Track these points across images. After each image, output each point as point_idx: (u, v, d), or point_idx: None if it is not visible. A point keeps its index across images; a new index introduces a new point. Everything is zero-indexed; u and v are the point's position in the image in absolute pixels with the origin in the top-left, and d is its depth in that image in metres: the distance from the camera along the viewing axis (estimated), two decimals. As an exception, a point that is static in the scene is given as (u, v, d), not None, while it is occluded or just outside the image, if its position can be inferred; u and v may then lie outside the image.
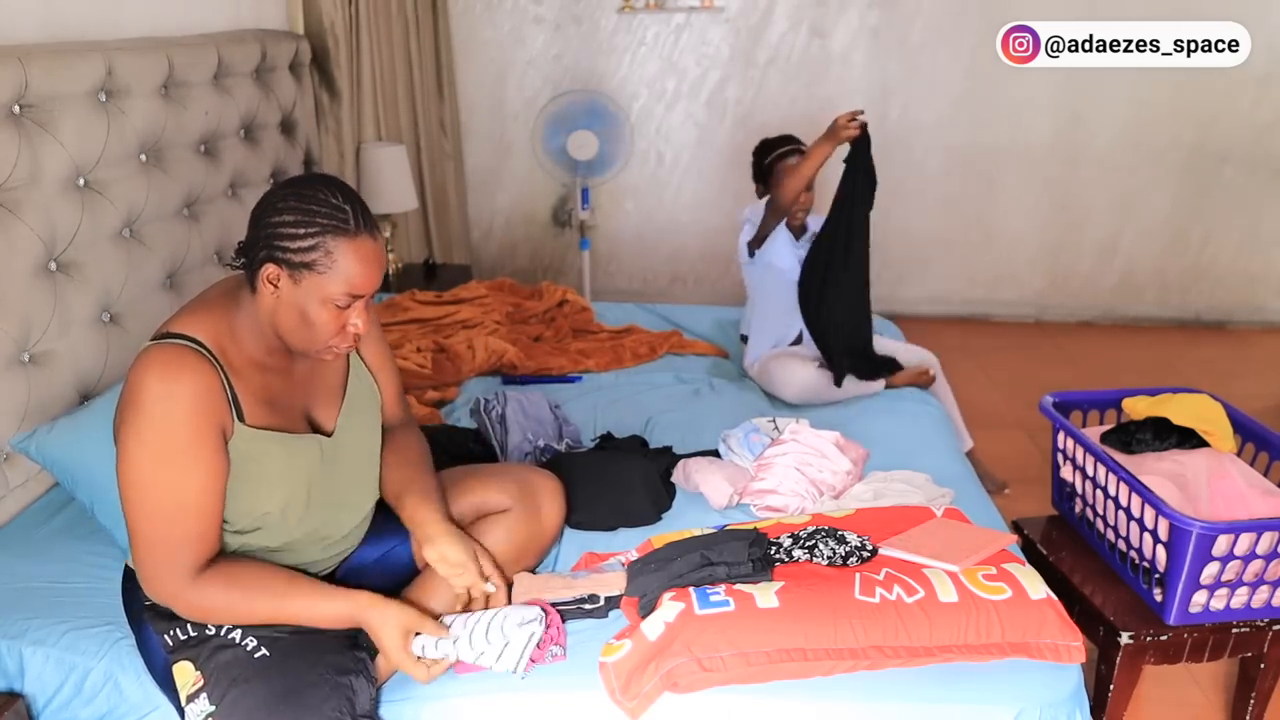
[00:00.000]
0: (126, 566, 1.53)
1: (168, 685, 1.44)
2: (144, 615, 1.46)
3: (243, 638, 1.37)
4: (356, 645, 1.44)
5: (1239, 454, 1.90)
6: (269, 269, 1.33)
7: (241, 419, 1.36)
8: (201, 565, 1.34)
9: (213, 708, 1.33)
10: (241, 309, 1.39)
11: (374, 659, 1.45)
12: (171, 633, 1.39)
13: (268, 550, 1.46)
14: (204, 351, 1.33)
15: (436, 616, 1.45)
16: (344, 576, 1.60)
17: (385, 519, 1.63)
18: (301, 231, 1.30)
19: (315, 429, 1.49)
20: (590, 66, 4.32)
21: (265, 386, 1.41)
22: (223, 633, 1.38)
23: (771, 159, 2.69)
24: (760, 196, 2.76)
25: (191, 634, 1.38)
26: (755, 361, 2.68)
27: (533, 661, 1.48)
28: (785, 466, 1.94)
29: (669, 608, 1.49)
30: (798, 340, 2.69)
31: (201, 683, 1.35)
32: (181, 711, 1.41)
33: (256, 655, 1.36)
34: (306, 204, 1.31)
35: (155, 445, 1.29)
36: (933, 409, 2.49)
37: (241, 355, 1.39)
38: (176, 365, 1.31)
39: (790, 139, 2.71)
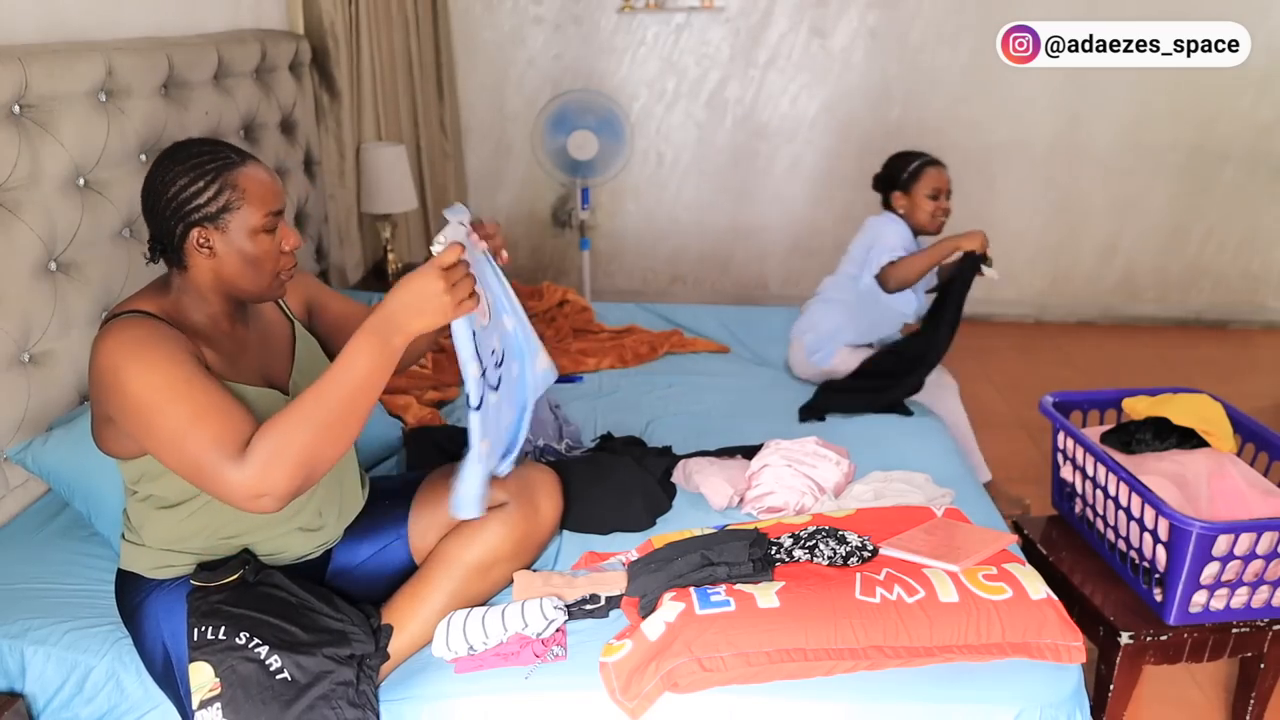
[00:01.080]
0: (120, 570, 1.54)
1: (168, 684, 1.45)
2: (143, 610, 1.46)
3: (268, 655, 1.36)
4: (357, 655, 1.43)
5: (1239, 454, 1.90)
6: (194, 235, 1.37)
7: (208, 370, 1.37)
8: (244, 445, 1.26)
9: None
10: (175, 290, 1.43)
11: (376, 664, 1.46)
12: (201, 629, 1.38)
13: (251, 540, 1.48)
14: (156, 318, 1.36)
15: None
16: (332, 577, 1.60)
17: (375, 517, 1.64)
18: (202, 184, 1.35)
19: (272, 388, 1.50)
20: (590, 66, 4.32)
21: (219, 350, 1.43)
22: (249, 645, 1.36)
23: (917, 165, 2.62)
24: (885, 206, 2.69)
25: (222, 638, 1.36)
26: (818, 355, 2.67)
27: (536, 657, 1.48)
28: (776, 468, 1.94)
29: (669, 608, 1.49)
30: (869, 347, 2.69)
31: (218, 690, 1.33)
32: (184, 710, 1.41)
33: (278, 676, 1.35)
34: (188, 162, 1.36)
35: (140, 389, 1.27)
36: (936, 422, 2.47)
37: (190, 325, 1.41)
38: (134, 326, 1.32)
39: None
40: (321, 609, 1.45)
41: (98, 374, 1.33)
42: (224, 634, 1.36)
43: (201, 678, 1.35)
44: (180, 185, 1.35)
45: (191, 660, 1.36)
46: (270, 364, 1.53)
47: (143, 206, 1.40)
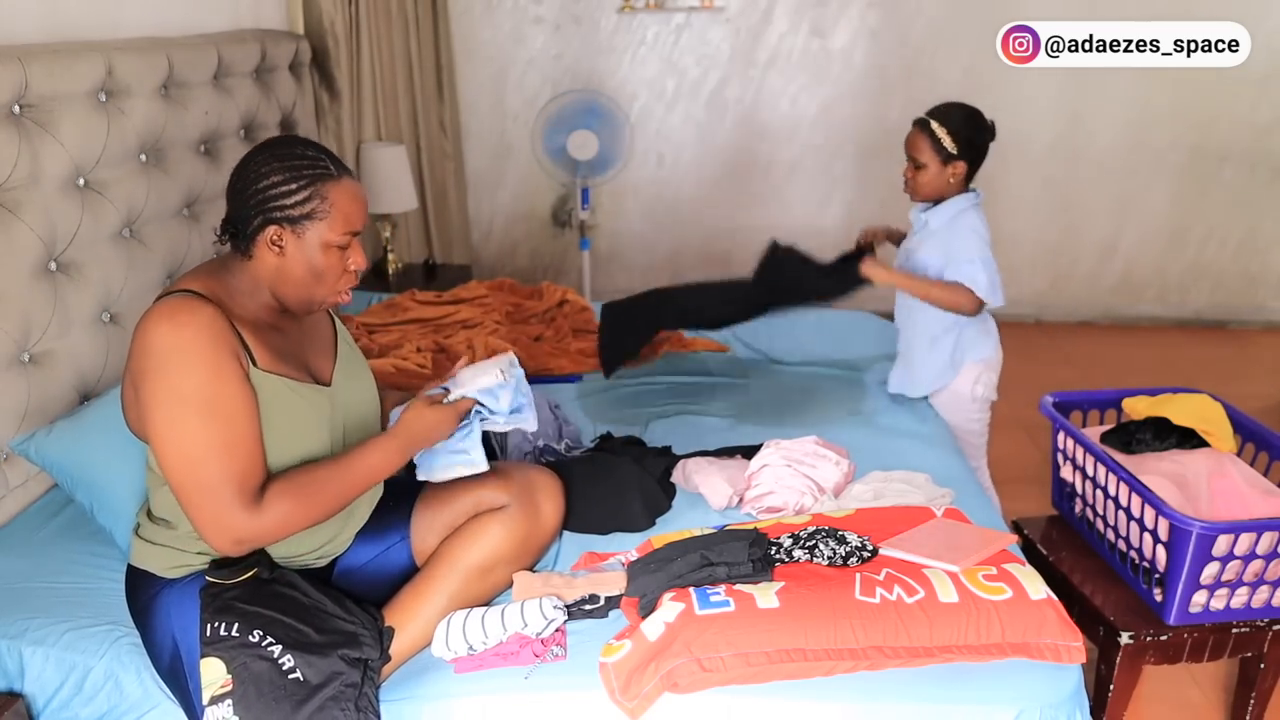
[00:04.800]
0: (130, 566, 1.53)
1: (174, 680, 1.44)
2: (154, 605, 1.46)
3: (281, 654, 1.36)
4: (361, 657, 1.43)
5: (1239, 454, 1.90)
6: (270, 231, 1.39)
7: (253, 362, 1.39)
8: (259, 491, 1.35)
9: (236, 719, 1.32)
10: (234, 275, 1.44)
11: (379, 666, 1.46)
12: (214, 625, 1.38)
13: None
14: (207, 300, 1.37)
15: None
16: (337, 578, 1.60)
17: (379, 519, 1.64)
18: (294, 186, 1.37)
19: (316, 382, 1.52)
20: (590, 66, 4.32)
21: (267, 339, 1.44)
22: (263, 643, 1.36)
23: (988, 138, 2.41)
24: (953, 182, 2.47)
25: (235, 634, 1.36)
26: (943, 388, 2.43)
27: (535, 656, 1.48)
28: (775, 468, 1.94)
29: (669, 608, 1.49)
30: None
31: (229, 687, 1.33)
32: (188, 707, 1.41)
33: (290, 676, 1.35)
34: (287, 161, 1.38)
35: (181, 388, 1.31)
36: (937, 422, 2.46)
37: (240, 313, 1.42)
38: (183, 309, 1.34)
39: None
40: (334, 610, 1.45)
41: (140, 354, 1.33)
42: (237, 631, 1.37)
43: (213, 674, 1.35)
44: (272, 180, 1.37)
45: (203, 656, 1.36)
46: (314, 359, 1.54)
47: (228, 187, 1.41)
